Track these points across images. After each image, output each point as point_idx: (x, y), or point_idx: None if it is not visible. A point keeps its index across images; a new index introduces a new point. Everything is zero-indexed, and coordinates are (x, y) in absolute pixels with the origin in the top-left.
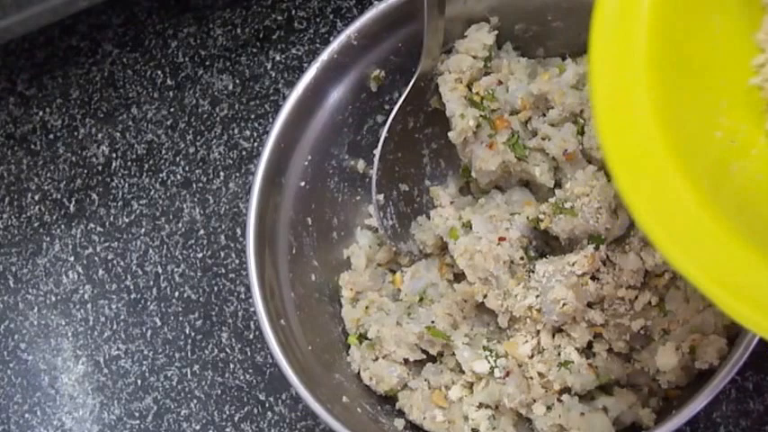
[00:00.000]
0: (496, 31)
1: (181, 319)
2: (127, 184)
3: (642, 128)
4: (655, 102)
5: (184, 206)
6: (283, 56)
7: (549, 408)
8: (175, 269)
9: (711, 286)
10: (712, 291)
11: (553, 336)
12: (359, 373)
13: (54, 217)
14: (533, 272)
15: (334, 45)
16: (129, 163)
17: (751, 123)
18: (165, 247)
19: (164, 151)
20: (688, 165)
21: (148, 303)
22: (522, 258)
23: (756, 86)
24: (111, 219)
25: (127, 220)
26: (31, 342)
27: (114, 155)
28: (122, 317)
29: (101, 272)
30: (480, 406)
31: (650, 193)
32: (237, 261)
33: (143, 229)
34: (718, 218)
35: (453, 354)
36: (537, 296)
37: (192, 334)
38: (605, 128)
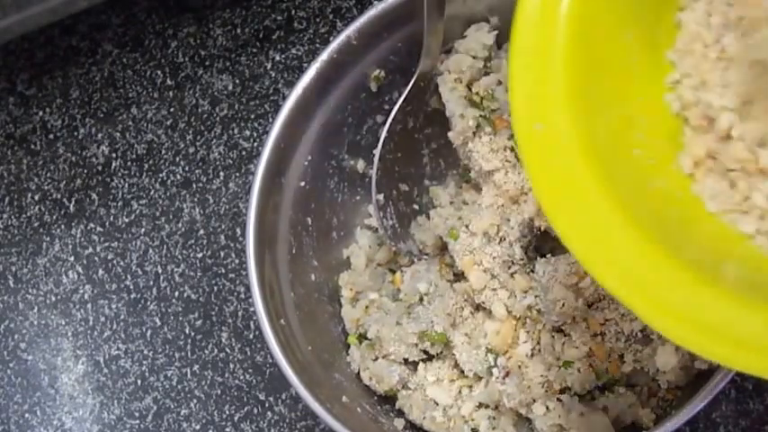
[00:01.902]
0: (496, 31)
1: (181, 318)
2: (127, 184)
3: (562, 146)
4: (573, 120)
5: (184, 206)
6: (283, 56)
7: (548, 408)
8: (175, 269)
9: (631, 298)
10: (632, 303)
11: (553, 336)
12: (359, 372)
13: (54, 217)
14: (533, 272)
15: (334, 45)
16: (129, 163)
17: (667, 140)
18: (164, 246)
19: (163, 151)
20: (609, 183)
21: (148, 303)
22: (522, 258)
23: (669, 103)
24: (111, 219)
25: (127, 220)
26: (30, 342)
27: (114, 155)
28: (122, 317)
29: (101, 272)
30: (480, 406)
31: (572, 210)
32: (237, 261)
33: (143, 229)
34: (639, 234)
35: (453, 354)
36: (537, 296)
37: (192, 334)
38: (525, 142)
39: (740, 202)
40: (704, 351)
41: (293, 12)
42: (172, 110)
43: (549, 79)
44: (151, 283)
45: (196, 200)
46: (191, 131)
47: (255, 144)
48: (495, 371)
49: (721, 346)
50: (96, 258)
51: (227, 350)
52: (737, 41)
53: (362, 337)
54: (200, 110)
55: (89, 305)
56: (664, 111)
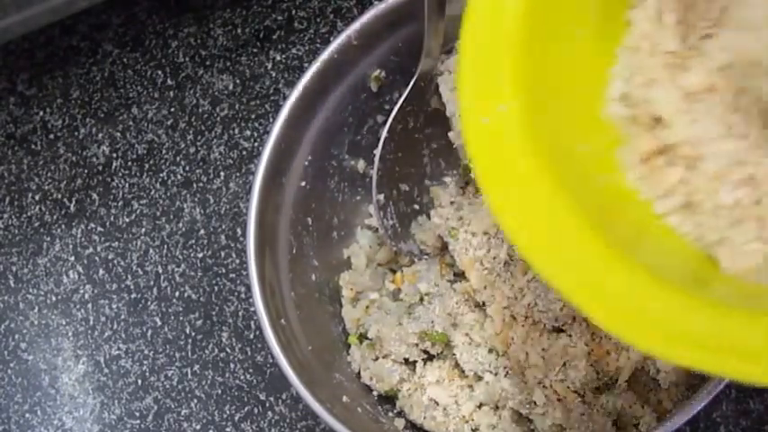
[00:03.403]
0: None
1: (181, 318)
2: (127, 184)
3: (507, 140)
4: (519, 114)
5: (185, 206)
6: (284, 56)
7: (549, 408)
8: (176, 269)
9: (570, 288)
10: (569, 291)
11: (553, 336)
12: (359, 372)
13: (54, 217)
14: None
15: (335, 45)
16: (130, 163)
17: (612, 139)
18: (165, 246)
19: (164, 151)
20: (555, 178)
21: (149, 303)
22: (521, 258)
23: (614, 99)
24: (112, 218)
25: (127, 220)
26: (31, 342)
27: (115, 155)
28: (123, 317)
29: (101, 272)
30: (480, 406)
31: (519, 205)
32: (238, 261)
33: (143, 229)
34: (583, 226)
35: (454, 354)
36: (537, 296)
37: (193, 334)
38: (472, 136)
39: (682, 200)
40: (663, 354)
41: (294, 12)
42: (172, 110)
43: (497, 73)
44: (152, 282)
45: (197, 200)
46: (191, 131)
47: (256, 144)
48: (495, 371)
49: (678, 347)
50: (97, 258)
51: (228, 350)
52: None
53: (363, 337)
54: (200, 110)
55: (89, 305)
56: (607, 107)
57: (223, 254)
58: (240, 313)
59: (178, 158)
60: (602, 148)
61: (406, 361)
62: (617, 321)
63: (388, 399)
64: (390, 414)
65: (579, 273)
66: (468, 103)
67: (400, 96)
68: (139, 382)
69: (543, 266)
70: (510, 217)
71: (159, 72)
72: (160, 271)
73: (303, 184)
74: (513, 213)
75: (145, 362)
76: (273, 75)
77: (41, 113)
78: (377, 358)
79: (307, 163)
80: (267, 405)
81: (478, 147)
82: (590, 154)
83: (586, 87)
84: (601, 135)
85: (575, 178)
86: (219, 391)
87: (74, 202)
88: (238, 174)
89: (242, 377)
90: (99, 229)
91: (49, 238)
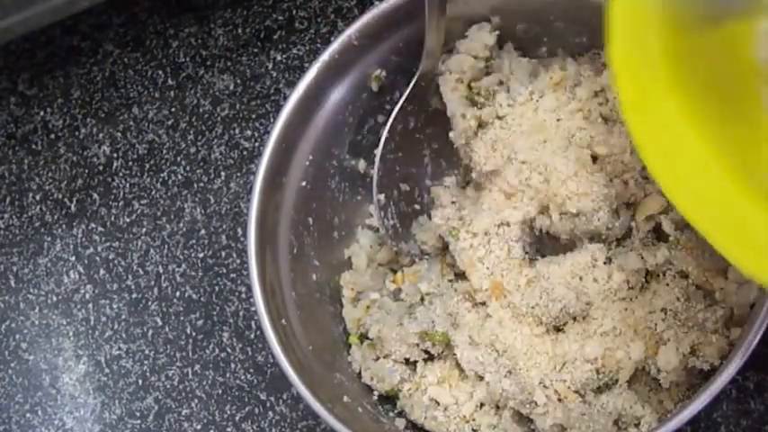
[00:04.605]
0: (498, 31)
1: (182, 318)
2: (128, 184)
3: (656, 70)
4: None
5: (185, 206)
6: (284, 56)
7: (549, 407)
8: (176, 269)
9: (709, 224)
10: (709, 228)
11: (553, 336)
12: (360, 372)
13: (55, 217)
14: (534, 271)
15: (335, 45)
16: (131, 163)
17: (760, 78)
18: (166, 246)
19: (165, 151)
20: (701, 115)
21: (149, 303)
22: (522, 258)
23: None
24: (113, 218)
25: (128, 220)
26: (32, 342)
27: (115, 155)
28: (123, 316)
29: (102, 271)
30: (481, 406)
31: (661, 137)
32: (238, 261)
33: (144, 229)
34: (725, 165)
35: (454, 354)
36: (537, 296)
37: (193, 334)
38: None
39: None
40: None
41: (294, 11)
42: (173, 110)
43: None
44: (152, 282)
45: (197, 200)
46: (192, 131)
47: (257, 144)
48: (495, 371)
49: None
50: (97, 258)
51: (229, 350)
52: None
53: (363, 337)
54: (201, 110)
55: (90, 305)
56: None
57: (224, 254)
58: (241, 313)
59: (179, 158)
60: (749, 87)
61: (407, 361)
62: (758, 259)
63: (389, 399)
64: (391, 414)
65: (720, 209)
66: (620, 36)
67: (401, 96)
68: (140, 382)
69: (684, 203)
70: (652, 152)
71: (160, 72)
72: (161, 271)
73: (304, 183)
74: (656, 150)
75: (145, 362)
76: (274, 75)
77: (42, 113)
78: (377, 358)
79: (307, 163)
80: (268, 405)
81: (626, 77)
82: (736, 94)
83: (735, 26)
84: (748, 75)
85: (719, 118)
86: (220, 391)
87: (74, 202)
88: (239, 174)
89: (243, 377)
90: (100, 229)
91: (49, 238)
